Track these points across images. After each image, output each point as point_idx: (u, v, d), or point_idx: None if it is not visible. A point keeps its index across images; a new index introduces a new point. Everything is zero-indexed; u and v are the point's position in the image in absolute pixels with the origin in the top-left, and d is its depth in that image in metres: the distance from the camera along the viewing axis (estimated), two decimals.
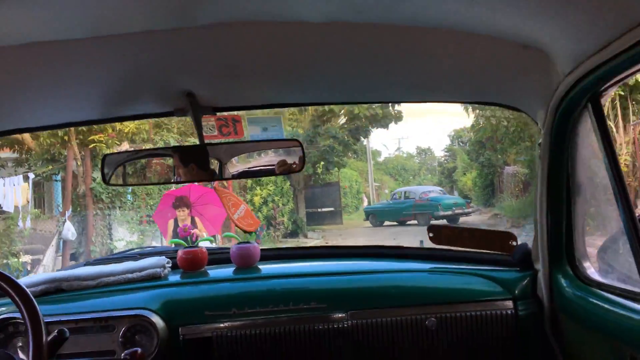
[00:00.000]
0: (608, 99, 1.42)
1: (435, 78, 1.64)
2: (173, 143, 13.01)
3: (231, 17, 1.17)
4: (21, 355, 1.59)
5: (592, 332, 1.44)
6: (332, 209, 19.71)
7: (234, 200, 2.14)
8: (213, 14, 1.14)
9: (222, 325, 1.72)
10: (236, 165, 1.79)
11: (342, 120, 17.13)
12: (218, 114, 1.81)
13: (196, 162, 1.68)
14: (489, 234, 1.97)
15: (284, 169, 1.71)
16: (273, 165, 1.74)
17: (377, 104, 14.56)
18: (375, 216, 20.41)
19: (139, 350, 1.53)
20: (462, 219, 18.52)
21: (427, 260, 2.04)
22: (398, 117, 17.25)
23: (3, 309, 1.75)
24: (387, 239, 15.13)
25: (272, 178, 15.38)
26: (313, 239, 15.89)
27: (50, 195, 13.42)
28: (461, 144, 38.69)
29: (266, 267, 2.04)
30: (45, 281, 1.81)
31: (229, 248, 2.08)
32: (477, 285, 1.81)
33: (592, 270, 1.54)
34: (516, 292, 1.77)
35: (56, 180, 12.72)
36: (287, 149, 1.77)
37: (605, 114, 1.45)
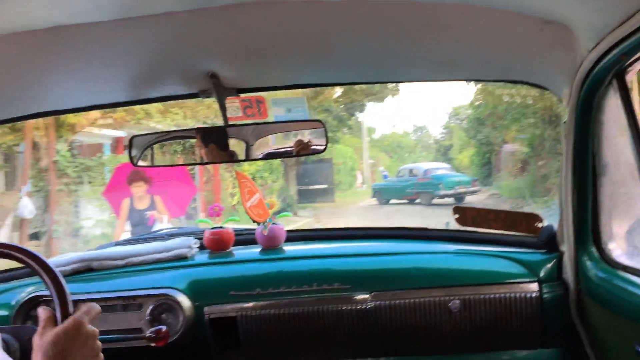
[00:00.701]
0: (635, 76, 1.46)
1: (457, 56, 1.66)
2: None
3: None
4: None
5: (618, 316, 1.45)
6: (324, 186, 19.72)
7: (250, 187, 2.21)
8: None
9: (246, 305, 1.81)
10: (260, 146, 1.84)
11: (337, 93, 17.16)
12: (242, 95, 1.88)
13: (221, 144, 1.75)
14: (514, 215, 1.99)
15: (307, 150, 1.78)
16: (311, 145, 1.80)
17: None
18: (381, 194, 20.48)
19: (164, 327, 1.67)
20: (467, 198, 18.36)
21: (452, 242, 2.08)
22: (394, 91, 17.38)
23: (31, 288, 1.84)
24: (382, 219, 15.18)
25: None
26: (304, 217, 15.84)
27: (13, 168, 12.75)
28: (458, 121, 39.13)
29: (291, 248, 2.12)
30: (76, 261, 1.92)
31: (254, 229, 2.17)
32: (502, 267, 1.84)
33: (618, 253, 1.56)
34: (541, 274, 1.80)
35: (20, 152, 12.01)
36: (311, 130, 1.83)
37: (631, 90, 1.42)
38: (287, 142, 1.84)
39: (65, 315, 1.22)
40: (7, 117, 1.81)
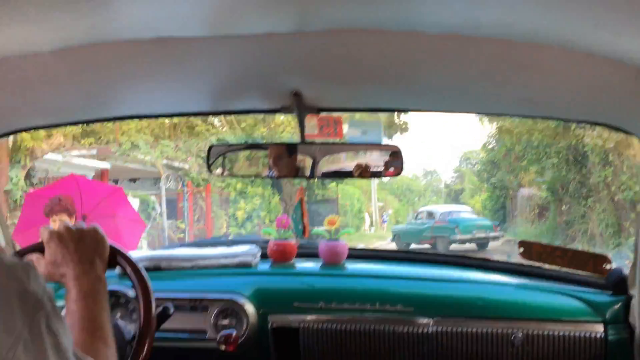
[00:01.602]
0: None
1: (547, 95, 1.73)
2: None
3: (347, 25, 1.30)
4: (120, 324, 1.86)
5: None
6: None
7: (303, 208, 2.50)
8: (330, 21, 1.29)
9: (309, 317, 1.94)
10: (326, 164, 1.96)
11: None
12: (321, 114, 1.97)
13: (293, 159, 1.91)
14: (582, 254, 2.07)
15: (367, 173, 1.92)
16: (370, 168, 1.93)
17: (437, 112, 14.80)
18: (400, 237, 20.55)
19: (235, 332, 1.83)
20: (490, 245, 18.07)
21: (514, 275, 2.18)
22: (403, 129, 17.69)
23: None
24: None
25: (259, 191, 15.61)
26: None
27: None
28: (469, 165, 40.07)
29: (353, 266, 2.26)
30: (146, 258, 2.13)
31: (316, 244, 2.35)
32: (567, 305, 1.91)
33: None
34: (607, 315, 1.85)
35: None
36: (388, 153, 1.93)
37: None
38: (350, 163, 1.97)
39: (149, 311, 1.38)
40: (98, 117, 2.01)
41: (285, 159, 1.94)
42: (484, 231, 18.24)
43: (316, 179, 1.97)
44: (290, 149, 1.96)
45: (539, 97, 1.74)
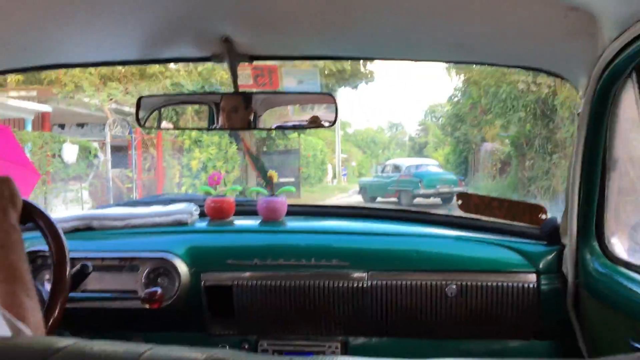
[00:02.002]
0: None
1: (476, 38, 1.77)
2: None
3: None
4: (47, 287, 1.91)
5: (615, 312, 1.56)
6: (290, 179, 19.41)
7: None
8: None
9: (243, 274, 2.00)
10: (268, 116, 2.03)
11: None
12: (254, 63, 1.99)
13: (231, 110, 1.94)
14: (518, 205, 2.16)
15: (314, 123, 1.99)
16: (305, 119, 2.03)
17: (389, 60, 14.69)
18: (366, 190, 20.93)
19: (159, 290, 1.87)
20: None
21: (453, 227, 2.25)
22: (369, 78, 17.60)
23: (28, 242, 1.97)
24: None
25: (215, 139, 15.41)
26: None
27: None
28: (434, 119, 40.83)
29: (291, 222, 2.32)
30: (77, 218, 2.14)
31: (256, 200, 2.39)
32: (502, 256, 2.01)
33: (620, 249, 1.68)
34: (540, 266, 1.96)
35: None
36: (320, 103, 2.04)
37: None
38: (296, 115, 2.06)
39: (63, 270, 1.38)
40: (18, 66, 1.99)
41: (224, 110, 1.96)
42: (448, 186, 18.52)
43: (260, 130, 1.98)
44: (226, 101, 1.98)
45: (470, 40, 1.77)
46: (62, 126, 15.82)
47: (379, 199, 19.91)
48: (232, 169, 16.10)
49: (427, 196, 18.41)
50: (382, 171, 21.67)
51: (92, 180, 13.65)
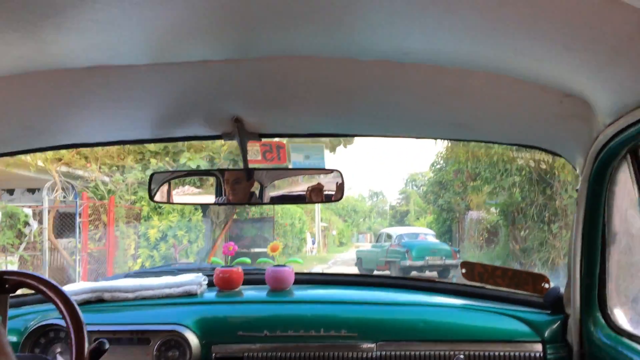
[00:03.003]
0: None
1: (478, 119, 2.02)
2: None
3: (283, 52, 1.52)
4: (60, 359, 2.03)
5: None
6: (264, 249, 18.68)
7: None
8: (266, 48, 1.50)
9: (253, 346, 2.22)
10: (276, 189, 2.29)
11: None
12: (263, 140, 2.25)
13: (239, 186, 2.21)
14: (521, 274, 2.37)
15: (320, 197, 2.24)
16: (317, 193, 2.25)
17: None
18: (362, 262, 21.15)
19: None
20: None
21: (458, 296, 2.53)
22: (348, 140, 17.94)
23: (40, 315, 2.24)
24: None
25: (177, 207, 15.36)
26: None
27: None
28: (415, 187, 42.29)
29: (299, 292, 2.55)
30: (89, 290, 2.37)
31: (264, 270, 2.64)
32: (507, 325, 2.23)
33: (624, 320, 1.88)
34: (546, 335, 2.18)
35: None
36: (328, 178, 2.27)
37: None
38: (301, 187, 2.29)
39: (81, 348, 1.56)
40: (39, 146, 2.23)
41: (233, 186, 2.24)
42: (439, 258, 18.29)
43: (265, 205, 2.31)
44: (235, 176, 2.26)
45: (470, 121, 2.03)
46: (10, 192, 15.63)
47: (374, 271, 19.55)
48: (196, 239, 16.02)
49: (417, 269, 18.06)
50: (377, 240, 21.99)
51: (21, 252, 13.06)
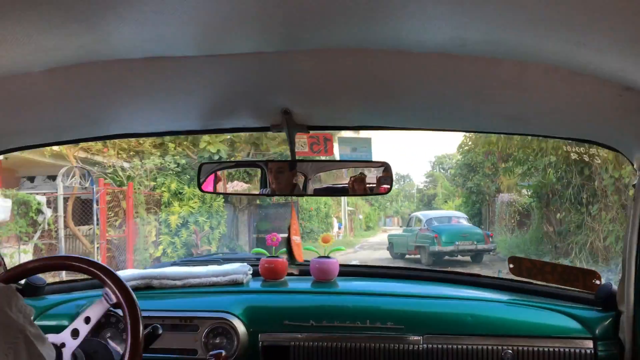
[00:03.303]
0: None
1: (533, 112, 2.02)
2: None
3: (334, 44, 1.53)
4: (111, 344, 2.10)
5: None
6: (287, 235, 18.59)
7: (296, 227, 2.89)
8: (317, 41, 1.51)
9: (300, 335, 2.29)
10: (320, 181, 2.35)
11: None
12: (311, 132, 2.27)
13: (283, 177, 2.27)
14: (572, 270, 2.40)
15: (363, 189, 2.28)
16: (359, 184, 2.29)
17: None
18: (393, 246, 20.70)
19: (224, 352, 2.11)
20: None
21: (504, 291, 2.58)
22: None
23: (87, 300, 2.35)
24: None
25: (198, 192, 15.10)
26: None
27: None
28: (442, 170, 42.37)
29: (344, 283, 2.63)
30: (138, 277, 2.50)
31: (308, 261, 2.72)
32: (557, 322, 2.25)
33: None
34: (597, 332, 2.19)
35: None
36: (376, 171, 2.31)
37: None
38: (346, 180, 2.34)
39: (137, 332, 1.65)
40: (91, 135, 2.32)
41: (278, 177, 2.31)
42: (470, 242, 17.65)
43: (309, 196, 2.40)
44: (281, 167, 2.33)
45: (525, 114, 2.05)
46: (31, 179, 15.61)
47: (409, 255, 19.47)
48: (218, 225, 15.96)
49: (447, 254, 17.76)
50: (408, 225, 21.48)
51: (36, 241, 13.12)
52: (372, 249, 24.49)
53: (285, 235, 2.84)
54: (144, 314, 2.09)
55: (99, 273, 1.74)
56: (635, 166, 2.03)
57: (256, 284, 2.64)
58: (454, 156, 30.87)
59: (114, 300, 1.75)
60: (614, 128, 2.03)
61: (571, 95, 1.80)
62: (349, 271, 2.87)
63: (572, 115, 2.02)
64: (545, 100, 1.89)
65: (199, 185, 2.34)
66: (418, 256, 18.71)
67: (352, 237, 31.13)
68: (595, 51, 1.46)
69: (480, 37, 1.46)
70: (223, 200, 16.00)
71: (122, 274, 2.52)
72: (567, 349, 2.20)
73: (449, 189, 35.03)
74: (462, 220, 20.08)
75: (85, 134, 2.32)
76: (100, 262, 1.75)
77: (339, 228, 28.93)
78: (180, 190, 15.66)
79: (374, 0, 1.27)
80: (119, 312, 1.81)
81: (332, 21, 1.39)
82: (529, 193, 18.06)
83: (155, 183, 15.80)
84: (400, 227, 26.38)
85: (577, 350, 2.20)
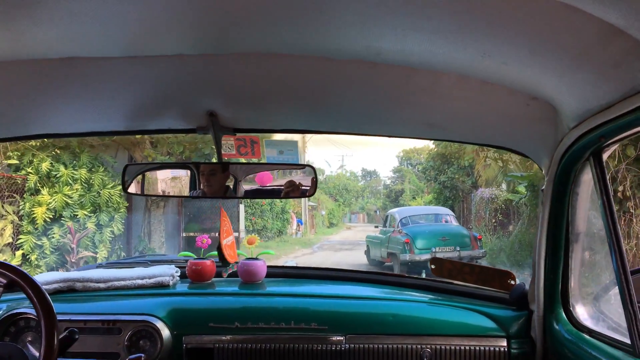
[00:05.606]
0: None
1: (447, 120, 2.21)
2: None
3: (257, 48, 1.66)
4: (30, 349, 2.20)
5: None
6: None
7: (228, 228, 2.96)
8: (241, 45, 1.63)
9: (224, 337, 2.42)
10: (250, 184, 2.47)
11: None
12: (237, 134, 2.39)
13: (214, 179, 2.39)
14: (489, 270, 2.65)
15: (295, 192, 2.43)
16: (283, 187, 2.43)
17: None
18: (369, 250, 18.77)
19: (143, 356, 2.12)
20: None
21: (426, 291, 2.78)
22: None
23: (11, 304, 2.42)
24: None
25: (82, 173, 13.15)
26: None
27: None
28: (410, 165, 42.77)
29: (271, 285, 2.76)
30: (60, 280, 2.57)
31: (236, 262, 2.83)
32: (474, 321, 2.46)
33: (585, 316, 2.11)
34: (510, 330, 2.41)
35: None
36: (301, 173, 2.47)
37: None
38: (275, 182, 2.48)
39: (52, 336, 1.70)
40: (10, 135, 2.40)
41: (209, 179, 2.44)
42: (451, 248, 15.43)
43: (239, 198, 2.56)
44: (212, 170, 2.46)
45: (442, 121, 2.22)
46: None
47: (383, 264, 17.29)
48: (110, 222, 13.36)
49: (422, 264, 14.69)
50: (384, 224, 18.98)
51: None
52: (333, 249, 23.69)
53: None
54: (66, 317, 2.26)
55: (11, 276, 1.80)
56: (544, 172, 2.23)
57: (183, 287, 2.76)
58: (426, 147, 30.88)
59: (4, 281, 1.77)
60: (523, 135, 2.24)
61: (483, 103, 1.99)
62: (277, 272, 3.02)
63: (484, 122, 2.22)
64: (459, 108, 2.09)
65: (124, 187, 2.44)
66: (391, 264, 16.56)
67: (312, 235, 31.09)
68: (500, 62, 1.63)
69: (393, 47, 1.62)
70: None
71: (42, 277, 2.63)
72: (482, 347, 2.42)
73: (417, 184, 35.44)
74: (449, 218, 17.80)
75: (3, 134, 2.40)
76: (13, 264, 1.81)
77: (299, 225, 28.87)
78: (55, 173, 12.96)
79: (295, 8, 1.40)
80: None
81: (256, 27, 1.50)
82: (521, 187, 16.89)
83: (18, 162, 12.95)
84: (365, 223, 25.96)
85: (492, 349, 2.41)
